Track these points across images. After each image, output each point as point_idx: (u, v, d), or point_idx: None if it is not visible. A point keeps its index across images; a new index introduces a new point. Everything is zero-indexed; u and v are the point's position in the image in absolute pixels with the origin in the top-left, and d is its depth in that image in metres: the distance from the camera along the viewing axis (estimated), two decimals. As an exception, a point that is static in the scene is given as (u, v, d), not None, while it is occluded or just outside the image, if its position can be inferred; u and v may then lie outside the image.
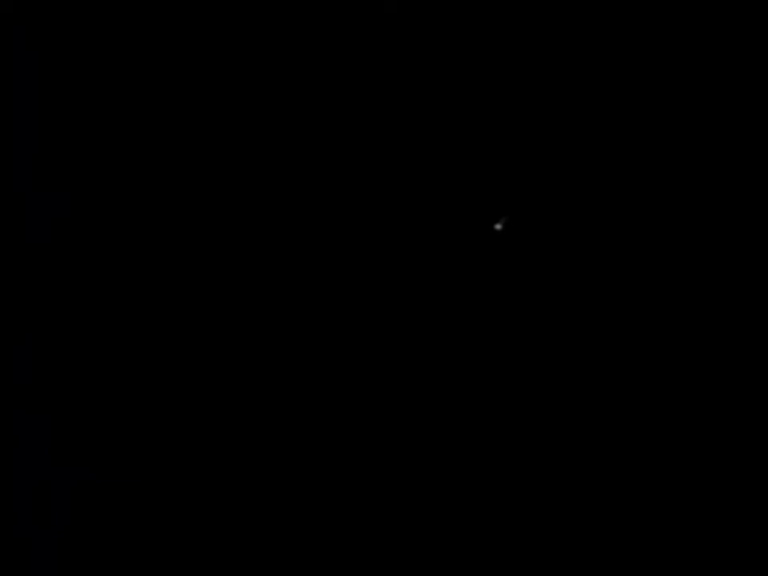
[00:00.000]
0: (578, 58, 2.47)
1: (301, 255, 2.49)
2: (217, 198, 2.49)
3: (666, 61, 2.46)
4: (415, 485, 2.41)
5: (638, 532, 2.36)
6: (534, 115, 2.48)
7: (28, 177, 2.47)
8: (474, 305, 2.47)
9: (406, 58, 2.49)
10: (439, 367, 2.45)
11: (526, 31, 2.48)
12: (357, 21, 2.49)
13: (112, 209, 2.48)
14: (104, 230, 2.48)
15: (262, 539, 2.39)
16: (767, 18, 2.43)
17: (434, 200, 2.48)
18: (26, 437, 2.39)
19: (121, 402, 2.43)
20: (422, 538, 2.39)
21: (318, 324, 2.47)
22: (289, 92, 2.50)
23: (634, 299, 2.44)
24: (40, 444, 2.39)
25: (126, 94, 2.49)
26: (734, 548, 2.33)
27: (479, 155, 2.48)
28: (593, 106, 2.47)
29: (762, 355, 2.39)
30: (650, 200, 2.45)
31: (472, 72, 2.49)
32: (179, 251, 2.48)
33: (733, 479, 2.36)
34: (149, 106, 2.49)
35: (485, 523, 2.39)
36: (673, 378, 2.41)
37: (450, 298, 2.47)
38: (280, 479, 2.42)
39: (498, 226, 2.42)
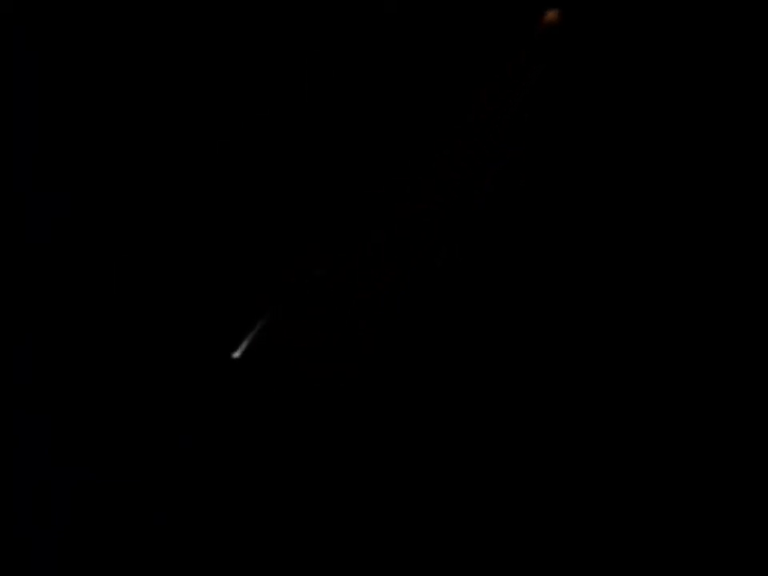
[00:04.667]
0: (577, 57, 2.48)
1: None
2: (216, 198, 2.50)
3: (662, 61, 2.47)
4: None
5: (638, 532, 2.36)
6: (531, 111, 2.49)
7: (28, 177, 2.47)
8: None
9: (405, 57, 2.50)
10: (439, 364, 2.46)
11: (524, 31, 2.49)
12: (357, 21, 2.50)
13: (112, 209, 2.48)
14: (104, 229, 2.48)
15: (263, 539, 2.40)
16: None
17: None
18: (25, 437, 2.39)
19: (121, 401, 2.43)
20: (421, 538, 2.40)
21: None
22: (289, 91, 2.51)
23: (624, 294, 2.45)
24: (40, 444, 2.39)
25: (126, 94, 2.49)
26: (733, 548, 2.33)
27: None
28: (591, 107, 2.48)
29: (761, 355, 2.40)
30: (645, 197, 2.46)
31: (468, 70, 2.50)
32: (179, 251, 2.49)
33: (732, 479, 2.36)
34: (148, 106, 2.50)
35: (484, 523, 2.39)
36: (670, 377, 2.41)
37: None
38: (280, 479, 2.43)
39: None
